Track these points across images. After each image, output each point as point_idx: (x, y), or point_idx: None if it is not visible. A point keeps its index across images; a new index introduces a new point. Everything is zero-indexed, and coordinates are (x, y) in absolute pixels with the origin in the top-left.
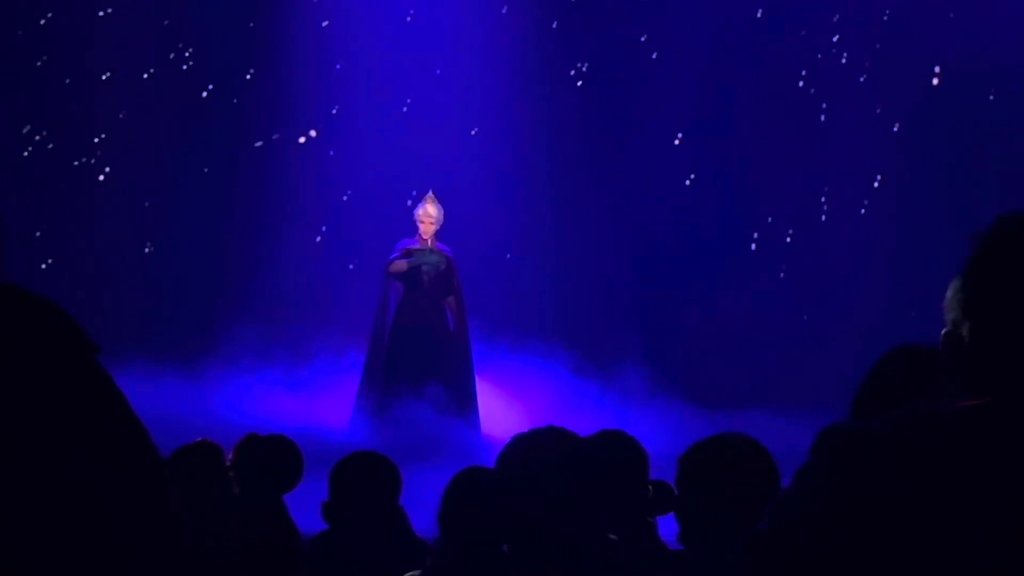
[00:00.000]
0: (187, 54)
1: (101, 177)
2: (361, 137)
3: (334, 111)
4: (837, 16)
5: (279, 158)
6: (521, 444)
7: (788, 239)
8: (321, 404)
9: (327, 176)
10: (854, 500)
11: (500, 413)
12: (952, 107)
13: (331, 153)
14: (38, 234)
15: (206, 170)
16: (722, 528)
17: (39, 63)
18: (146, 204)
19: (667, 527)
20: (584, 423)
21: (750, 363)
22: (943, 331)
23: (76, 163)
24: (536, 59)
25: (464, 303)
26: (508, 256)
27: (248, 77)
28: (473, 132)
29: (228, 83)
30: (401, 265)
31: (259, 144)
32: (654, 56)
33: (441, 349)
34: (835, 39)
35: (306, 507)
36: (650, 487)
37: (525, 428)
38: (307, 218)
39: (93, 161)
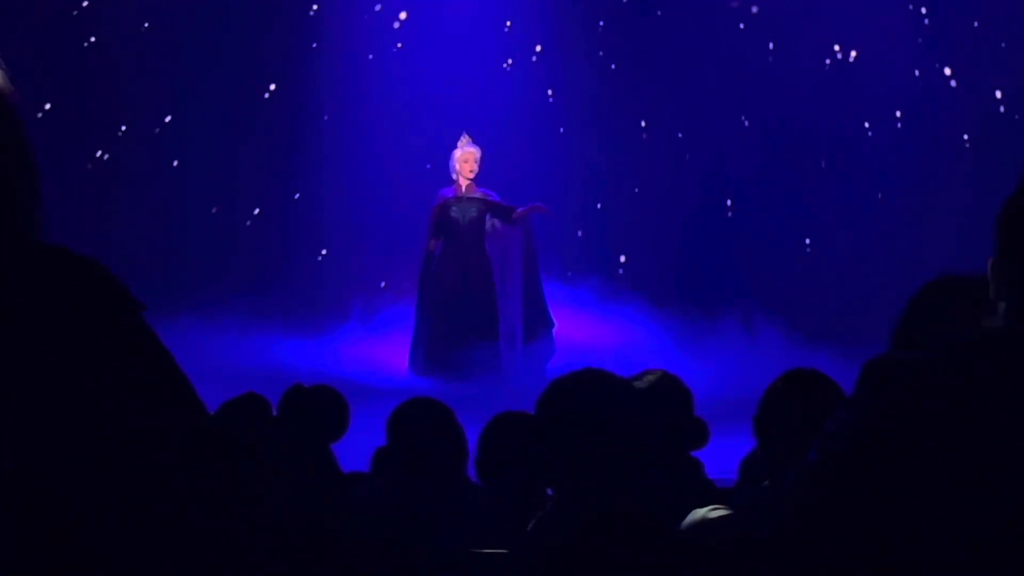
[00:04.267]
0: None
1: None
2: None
3: (370, 56)
4: None
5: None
6: (560, 387)
7: (822, 167)
8: (378, 355)
9: (366, 126)
10: (899, 429)
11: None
12: (994, 45)
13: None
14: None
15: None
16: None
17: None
18: (206, 165)
19: (713, 465)
20: (636, 362)
21: (797, 296)
22: (990, 258)
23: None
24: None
25: (531, 223)
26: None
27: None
28: (507, 64)
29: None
30: (432, 245)
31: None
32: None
33: (480, 302)
34: None
35: (358, 454)
36: (696, 425)
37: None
38: (350, 166)
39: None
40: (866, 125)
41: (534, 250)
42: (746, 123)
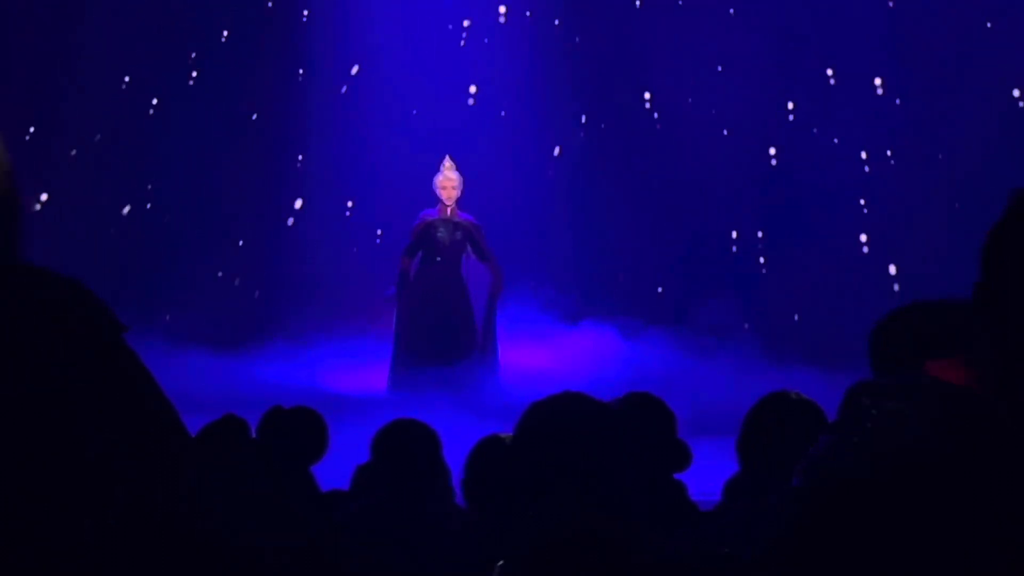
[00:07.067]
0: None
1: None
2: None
3: (354, 71)
4: None
5: (306, 129)
6: (538, 411)
7: (811, 181)
8: (356, 376)
9: (356, 145)
10: (883, 455)
11: (531, 378)
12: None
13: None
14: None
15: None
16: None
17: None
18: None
19: (696, 487)
20: (615, 384)
21: (777, 317)
22: (975, 282)
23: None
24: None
25: (500, 267)
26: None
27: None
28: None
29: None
30: (406, 263)
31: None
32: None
33: (458, 320)
34: None
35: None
36: (678, 448)
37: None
38: (333, 190)
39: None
40: (849, 146)
41: (500, 286)
42: (725, 136)
